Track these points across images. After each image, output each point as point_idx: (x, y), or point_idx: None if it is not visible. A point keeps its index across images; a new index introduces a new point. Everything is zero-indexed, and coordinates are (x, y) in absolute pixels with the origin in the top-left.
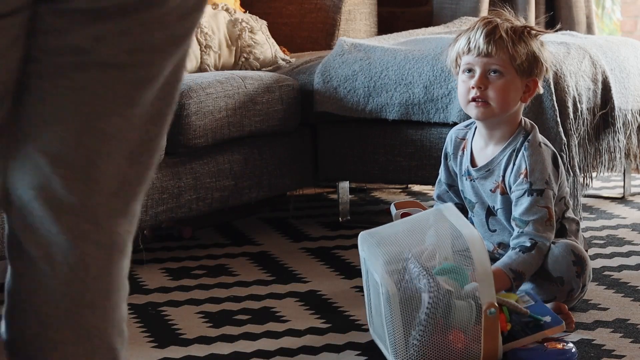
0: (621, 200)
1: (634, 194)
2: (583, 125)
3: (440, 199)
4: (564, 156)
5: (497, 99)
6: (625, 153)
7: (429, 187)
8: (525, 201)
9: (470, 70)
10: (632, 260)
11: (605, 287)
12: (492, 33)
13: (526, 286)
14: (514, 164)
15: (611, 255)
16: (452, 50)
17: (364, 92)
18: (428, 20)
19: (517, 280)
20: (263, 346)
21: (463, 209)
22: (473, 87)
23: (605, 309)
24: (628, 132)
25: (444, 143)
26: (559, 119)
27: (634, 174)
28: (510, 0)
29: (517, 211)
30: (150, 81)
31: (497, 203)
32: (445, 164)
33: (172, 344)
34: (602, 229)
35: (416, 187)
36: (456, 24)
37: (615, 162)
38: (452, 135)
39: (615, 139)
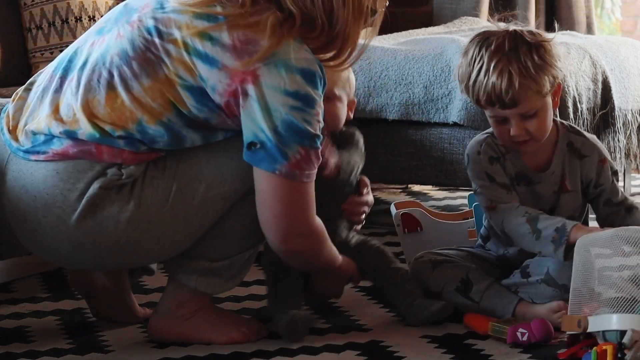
0: None
1: (634, 194)
2: (583, 125)
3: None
4: None
5: (540, 133)
6: (625, 153)
7: (429, 187)
8: (616, 186)
9: (502, 119)
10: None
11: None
12: (510, 84)
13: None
14: (573, 159)
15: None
16: (469, 89)
17: (363, 92)
18: (428, 20)
19: None
20: (263, 346)
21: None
22: (514, 135)
23: None
24: (628, 132)
25: (445, 143)
26: (559, 119)
27: (634, 174)
28: (510, 0)
29: (614, 197)
30: None
31: (554, 202)
32: (493, 169)
33: (172, 344)
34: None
35: (416, 187)
36: (456, 24)
37: (615, 162)
38: (482, 143)
39: (615, 139)
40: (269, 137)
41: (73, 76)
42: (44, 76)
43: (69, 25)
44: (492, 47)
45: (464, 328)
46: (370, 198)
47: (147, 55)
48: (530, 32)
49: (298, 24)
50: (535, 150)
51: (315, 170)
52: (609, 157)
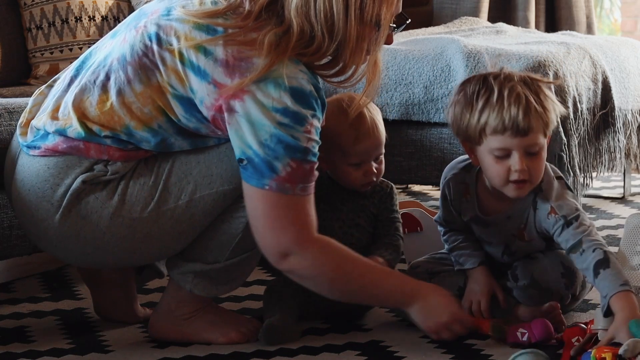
0: (621, 200)
1: (634, 194)
2: (583, 125)
3: (439, 223)
4: (564, 156)
5: (537, 176)
6: (625, 153)
7: (429, 187)
8: (568, 232)
9: (503, 155)
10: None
11: None
12: (527, 110)
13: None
14: (535, 210)
15: None
16: (470, 120)
17: None
18: (428, 20)
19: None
20: (263, 346)
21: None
22: (516, 171)
23: None
24: (628, 132)
25: (445, 143)
26: (559, 119)
27: (634, 174)
28: (510, 1)
29: (567, 244)
30: None
31: (515, 246)
32: (445, 206)
33: (172, 344)
34: (602, 229)
35: (416, 187)
36: (456, 24)
37: (615, 162)
38: (448, 179)
39: (615, 139)
40: (257, 152)
41: (81, 77)
42: (65, 74)
43: (69, 25)
44: (501, 77)
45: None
46: None
47: (142, 61)
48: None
49: (295, 38)
50: (497, 199)
51: (313, 184)
52: (560, 207)
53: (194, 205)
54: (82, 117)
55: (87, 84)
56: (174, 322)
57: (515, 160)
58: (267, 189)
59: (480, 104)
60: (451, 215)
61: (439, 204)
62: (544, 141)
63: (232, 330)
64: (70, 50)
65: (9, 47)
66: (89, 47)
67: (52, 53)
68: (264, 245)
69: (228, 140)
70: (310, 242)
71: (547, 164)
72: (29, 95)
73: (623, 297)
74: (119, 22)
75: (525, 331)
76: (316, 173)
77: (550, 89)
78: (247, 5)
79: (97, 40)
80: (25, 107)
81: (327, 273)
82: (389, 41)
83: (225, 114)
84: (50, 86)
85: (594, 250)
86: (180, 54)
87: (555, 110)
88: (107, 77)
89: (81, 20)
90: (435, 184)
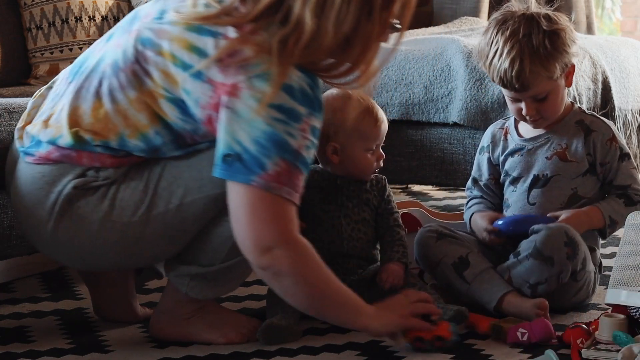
0: None
1: None
2: None
3: (469, 189)
4: None
5: (550, 113)
6: None
7: (429, 187)
8: (622, 167)
9: (516, 99)
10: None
11: (605, 287)
12: (521, 70)
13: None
14: (579, 133)
15: (611, 255)
16: (486, 68)
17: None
18: (428, 20)
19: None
20: (263, 346)
21: (487, 199)
22: (526, 115)
23: (605, 309)
24: (628, 132)
25: (445, 143)
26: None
27: None
28: (510, 1)
29: (616, 179)
30: None
31: (550, 170)
32: (479, 159)
33: (172, 344)
34: None
35: (416, 187)
36: (456, 24)
37: None
38: (489, 130)
39: None
40: (247, 149)
41: (75, 82)
42: (63, 76)
43: (69, 25)
44: (508, 32)
45: (464, 328)
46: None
47: (134, 67)
48: (547, 17)
49: (305, 39)
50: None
51: (298, 195)
52: (620, 139)
53: (185, 210)
54: (75, 124)
55: (81, 91)
56: (174, 322)
57: (523, 107)
58: (253, 184)
59: (490, 57)
60: (480, 170)
61: (475, 160)
62: (552, 85)
63: (232, 330)
64: (70, 50)
65: (9, 47)
66: (89, 47)
67: (52, 53)
68: (245, 239)
69: None
70: (293, 239)
71: (604, 120)
72: (29, 95)
73: (592, 209)
74: (119, 22)
75: (525, 331)
76: (302, 186)
77: (565, 32)
78: (242, 9)
79: (97, 40)
80: (25, 108)
81: (305, 274)
82: (383, 39)
83: (220, 111)
84: (50, 87)
85: (635, 194)
86: (172, 56)
87: (563, 59)
88: (100, 84)
89: (81, 20)
90: (435, 184)
